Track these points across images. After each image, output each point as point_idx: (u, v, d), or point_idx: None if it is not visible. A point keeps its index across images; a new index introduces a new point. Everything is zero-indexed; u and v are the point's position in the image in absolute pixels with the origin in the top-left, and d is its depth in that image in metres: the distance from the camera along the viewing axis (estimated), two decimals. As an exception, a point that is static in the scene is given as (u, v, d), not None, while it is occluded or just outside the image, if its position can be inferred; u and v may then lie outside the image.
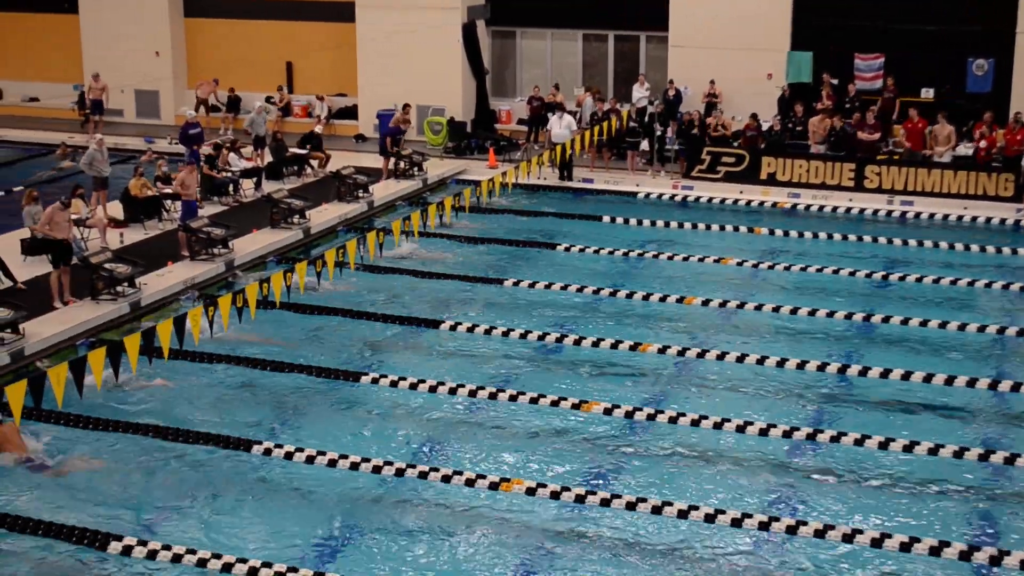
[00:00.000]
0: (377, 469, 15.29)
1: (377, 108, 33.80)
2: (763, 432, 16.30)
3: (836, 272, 23.20)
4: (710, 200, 28.64)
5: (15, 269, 22.00)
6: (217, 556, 13.31)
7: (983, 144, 28.39)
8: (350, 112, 36.13)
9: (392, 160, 30.23)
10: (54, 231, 20.92)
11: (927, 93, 30.91)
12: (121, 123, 36.89)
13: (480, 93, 35.09)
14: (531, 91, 33.80)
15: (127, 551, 13.52)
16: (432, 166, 31.20)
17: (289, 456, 15.64)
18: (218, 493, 15.04)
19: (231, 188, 28.19)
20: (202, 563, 13.26)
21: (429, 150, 33.06)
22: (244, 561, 13.19)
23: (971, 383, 17.80)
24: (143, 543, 13.58)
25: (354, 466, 15.36)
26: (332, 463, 15.44)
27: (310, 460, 15.53)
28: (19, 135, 35.94)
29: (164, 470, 15.59)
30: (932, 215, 27.23)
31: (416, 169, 30.47)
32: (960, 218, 26.99)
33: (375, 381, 18.07)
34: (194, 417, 16.99)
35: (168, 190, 26.07)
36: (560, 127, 30.41)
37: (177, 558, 13.36)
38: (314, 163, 30.99)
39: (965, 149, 28.89)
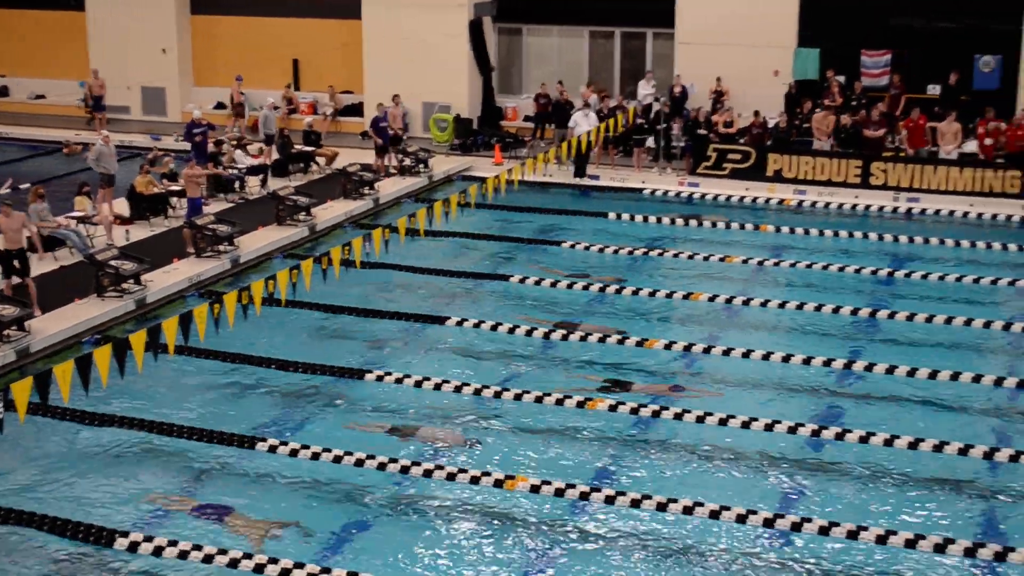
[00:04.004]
0: (382, 467, 15.31)
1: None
2: (768, 428, 16.30)
3: (842, 269, 23.19)
4: (716, 197, 28.64)
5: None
6: (223, 552, 13.33)
7: (988, 141, 28.41)
8: (356, 109, 36.13)
9: (387, 157, 30.25)
10: (7, 243, 20.45)
11: (933, 90, 30.90)
12: (128, 120, 36.95)
13: (486, 90, 35.11)
14: (538, 88, 33.77)
15: (133, 548, 13.55)
16: (438, 163, 31.23)
17: (294, 453, 15.66)
18: (222, 489, 15.09)
19: (237, 185, 28.23)
20: (208, 559, 13.29)
21: (435, 147, 33.07)
22: (249, 557, 13.22)
23: (976, 379, 17.81)
24: (149, 539, 13.61)
25: (359, 463, 15.37)
26: (337, 460, 15.46)
27: (315, 457, 15.56)
28: (26, 132, 36.03)
29: (165, 463, 15.66)
30: (938, 212, 27.23)
31: (422, 166, 30.48)
32: (966, 215, 26.97)
33: (379, 379, 18.09)
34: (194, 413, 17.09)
35: (174, 187, 26.11)
36: (588, 125, 30.11)
37: (184, 555, 13.38)
38: (320, 160, 31.01)
39: (972, 146, 28.88)
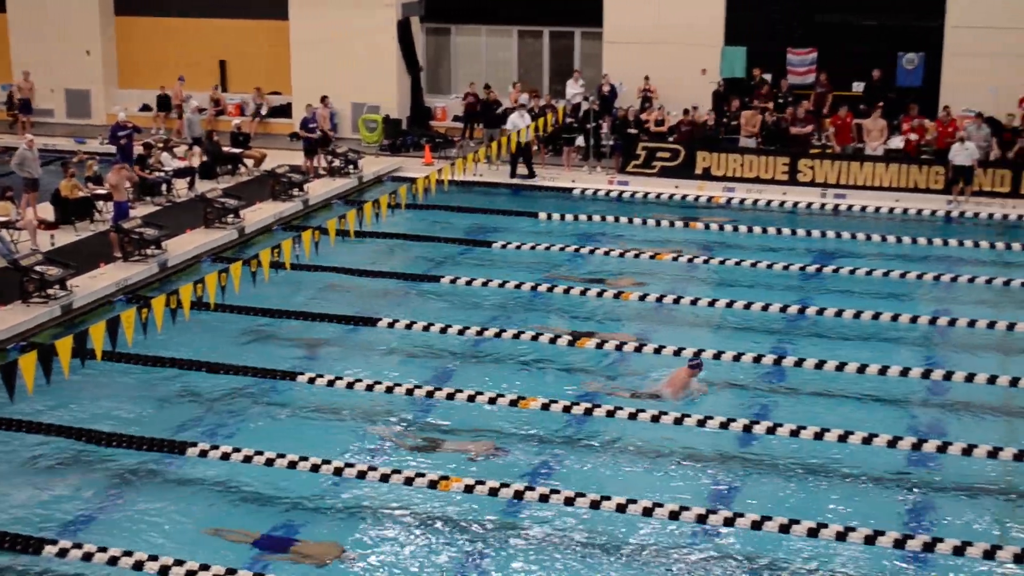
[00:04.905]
0: (315, 468, 15.22)
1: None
2: (700, 424, 16.39)
3: (770, 265, 23.37)
4: (646, 195, 28.78)
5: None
6: (154, 558, 13.18)
7: (912, 137, 28.83)
8: (284, 110, 35.88)
9: (316, 158, 30.13)
10: None
11: (858, 87, 31.29)
12: (51, 123, 36.42)
13: (415, 90, 35.02)
14: (467, 87, 33.74)
15: (62, 554, 13.37)
16: (367, 164, 31.10)
17: (226, 457, 15.52)
18: (153, 494, 14.92)
19: (164, 188, 27.93)
20: (138, 566, 13.13)
21: (364, 148, 32.94)
22: (181, 563, 13.08)
23: (904, 372, 18.05)
24: (78, 546, 13.44)
25: (292, 465, 15.26)
26: (269, 463, 15.34)
27: (247, 460, 15.43)
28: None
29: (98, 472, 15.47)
30: (864, 208, 27.57)
31: (351, 167, 30.35)
32: (892, 210, 27.34)
33: (311, 381, 17.97)
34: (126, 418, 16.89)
35: (100, 191, 25.79)
36: (524, 124, 30.01)
37: (113, 560, 13.22)
38: (248, 162, 30.77)
39: (897, 142, 29.27)
